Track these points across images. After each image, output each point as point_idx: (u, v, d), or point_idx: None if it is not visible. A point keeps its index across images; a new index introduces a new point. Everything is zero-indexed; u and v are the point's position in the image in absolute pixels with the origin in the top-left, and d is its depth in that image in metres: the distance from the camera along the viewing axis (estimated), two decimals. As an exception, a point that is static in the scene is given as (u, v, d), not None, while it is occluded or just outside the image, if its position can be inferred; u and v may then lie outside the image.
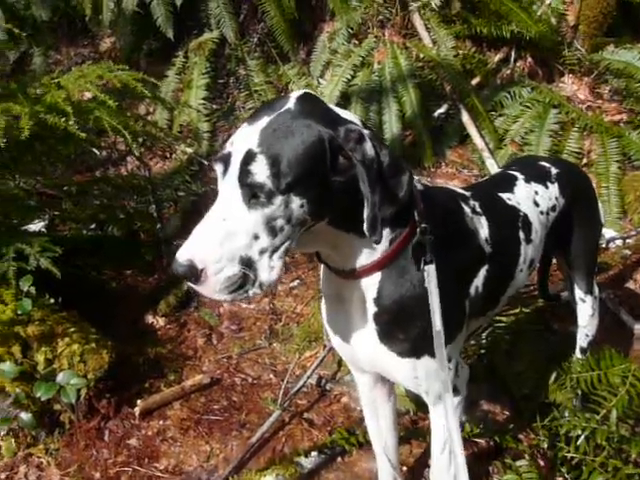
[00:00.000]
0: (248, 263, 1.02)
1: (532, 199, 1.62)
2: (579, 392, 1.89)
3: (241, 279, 1.02)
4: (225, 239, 1.00)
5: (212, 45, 4.09)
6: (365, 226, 1.07)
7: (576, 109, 3.96)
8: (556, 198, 1.68)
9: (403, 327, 1.25)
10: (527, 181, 1.65)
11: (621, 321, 2.60)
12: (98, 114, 2.15)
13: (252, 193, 1.01)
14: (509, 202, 1.57)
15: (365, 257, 1.19)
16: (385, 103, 3.89)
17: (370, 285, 1.23)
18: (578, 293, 1.90)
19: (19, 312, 2.19)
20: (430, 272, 1.18)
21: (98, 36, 4.75)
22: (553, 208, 1.67)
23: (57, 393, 2.01)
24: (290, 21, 4.14)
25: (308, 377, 2.26)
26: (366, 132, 1.08)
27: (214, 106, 4.13)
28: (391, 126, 3.84)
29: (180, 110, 3.82)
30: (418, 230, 1.19)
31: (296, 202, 1.03)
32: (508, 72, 4.29)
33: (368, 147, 1.06)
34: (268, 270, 1.05)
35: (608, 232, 3.21)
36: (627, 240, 3.20)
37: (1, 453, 2.08)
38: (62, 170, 3.46)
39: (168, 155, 4.08)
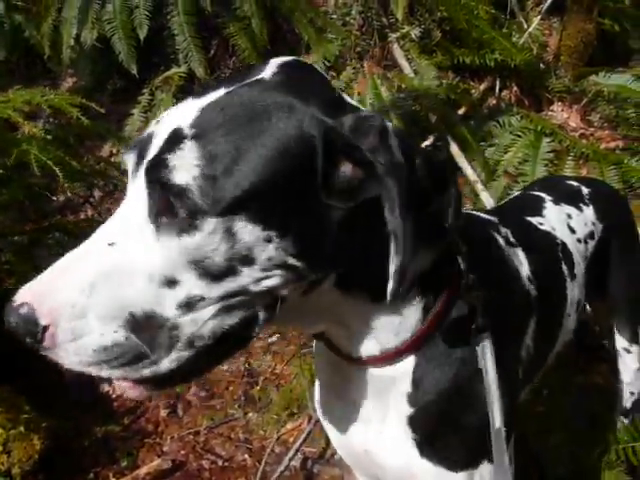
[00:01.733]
0: (152, 324, 0.64)
1: (566, 224, 1.28)
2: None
3: (134, 351, 0.65)
4: (105, 279, 0.63)
5: (180, 80, 3.83)
6: (390, 285, 0.66)
7: (570, 137, 3.75)
8: (593, 223, 1.35)
9: (455, 430, 0.85)
10: (556, 202, 1.31)
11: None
12: (26, 147, 1.77)
13: (164, 202, 0.62)
14: (542, 227, 1.22)
15: (388, 336, 0.79)
16: (367, 135, 3.65)
17: (399, 376, 0.82)
18: (620, 342, 1.54)
19: None
20: (485, 346, 0.79)
21: (60, 76, 4.49)
22: (591, 235, 1.33)
23: (-33, 497, 1.57)
24: (263, 55, 3.92)
25: (291, 458, 1.84)
26: (389, 124, 0.68)
27: (183, 145, 3.82)
28: (375, 159, 3.58)
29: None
30: (462, 284, 0.79)
31: (252, 231, 0.64)
32: (494, 101, 4.13)
33: (395, 147, 0.65)
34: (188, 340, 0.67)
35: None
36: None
37: None
38: (4, 218, 3.06)
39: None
